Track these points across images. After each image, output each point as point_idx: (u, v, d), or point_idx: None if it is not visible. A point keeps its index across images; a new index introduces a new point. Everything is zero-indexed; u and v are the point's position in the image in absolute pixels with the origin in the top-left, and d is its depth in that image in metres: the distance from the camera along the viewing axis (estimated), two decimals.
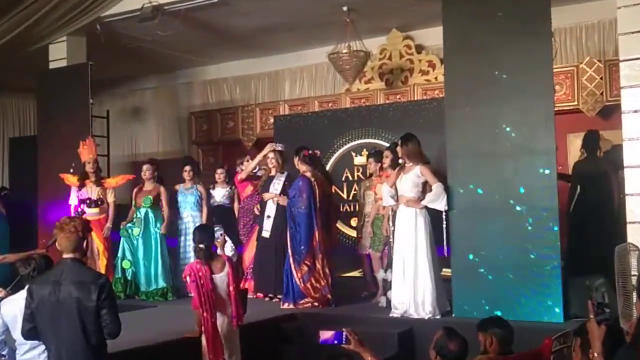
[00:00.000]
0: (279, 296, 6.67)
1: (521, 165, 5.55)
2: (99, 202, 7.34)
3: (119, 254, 7.43)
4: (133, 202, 7.57)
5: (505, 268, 5.54)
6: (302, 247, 6.33)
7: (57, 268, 3.40)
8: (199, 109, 10.98)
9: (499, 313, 5.16)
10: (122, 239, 7.45)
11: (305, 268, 6.32)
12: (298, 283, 6.31)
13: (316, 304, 6.34)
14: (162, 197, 7.54)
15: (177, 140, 11.24)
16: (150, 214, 7.46)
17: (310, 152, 6.64)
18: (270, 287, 6.86)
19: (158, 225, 7.44)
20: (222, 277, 4.65)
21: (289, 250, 6.40)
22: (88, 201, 7.32)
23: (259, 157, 7.28)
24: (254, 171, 7.55)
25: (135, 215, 7.48)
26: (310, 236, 6.36)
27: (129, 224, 7.44)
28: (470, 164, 5.74)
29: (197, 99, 11.19)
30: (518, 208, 5.52)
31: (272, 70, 10.43)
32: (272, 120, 9.58)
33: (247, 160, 7.55)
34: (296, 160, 6.60)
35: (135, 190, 7.62)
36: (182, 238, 7.62)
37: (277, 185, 7.04)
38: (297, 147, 6.69)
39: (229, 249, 7.36)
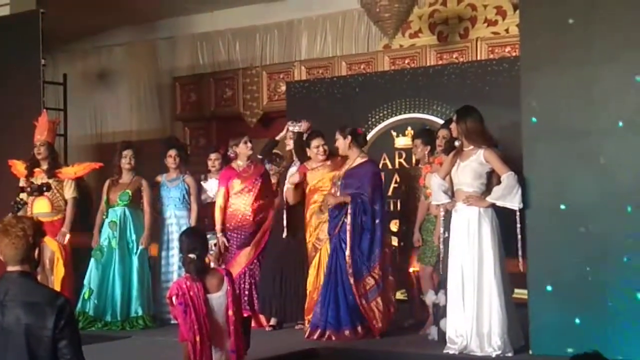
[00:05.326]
0: (299, 323, 6.82)
1: (629, 149, 5.48)
2: (44, 188, 7.26)
3: (86, 280, 7.39)
4: (104, 200, 7.57)
5: (603, 291, 5.48)
6: (372, 255, 6.45)
7: (0, 285, 3.42)
8: (185, 73, 11.03)
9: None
10: (91, 261, 7.42)
11: (372, 282, 6.40)
12: (359, 303, 6.34)
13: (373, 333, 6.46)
14: (143, 194, 7.57)
15: (156, 115, 11.31)
16: (129, 216, 7.50)
17: (362, 129, 6.86)
18: (289, 311, 6.96)
19: (140, 232, 7.48)
20: (219, 298, 4.68)
21: (348, 260, 6.40)
22: (29, 188, 7.26)
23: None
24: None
25: (107, 218, 7.47)
26: (383, 243, 6.51)
27: (106, 239, 7.38)
28: (556, 146, 5.69)
29: (184, 59, 11.23)
30: (628, 208, 5.44)
31: (284, 21, 10.42)
32: (283, 88, 9.59)
33: (245, 142, 7.41)
34: (344, 142, 6.60)
35: (107, 183, 7.63)
36: (164, 246, 7.67)
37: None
38: (342, 125, 6.69)
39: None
